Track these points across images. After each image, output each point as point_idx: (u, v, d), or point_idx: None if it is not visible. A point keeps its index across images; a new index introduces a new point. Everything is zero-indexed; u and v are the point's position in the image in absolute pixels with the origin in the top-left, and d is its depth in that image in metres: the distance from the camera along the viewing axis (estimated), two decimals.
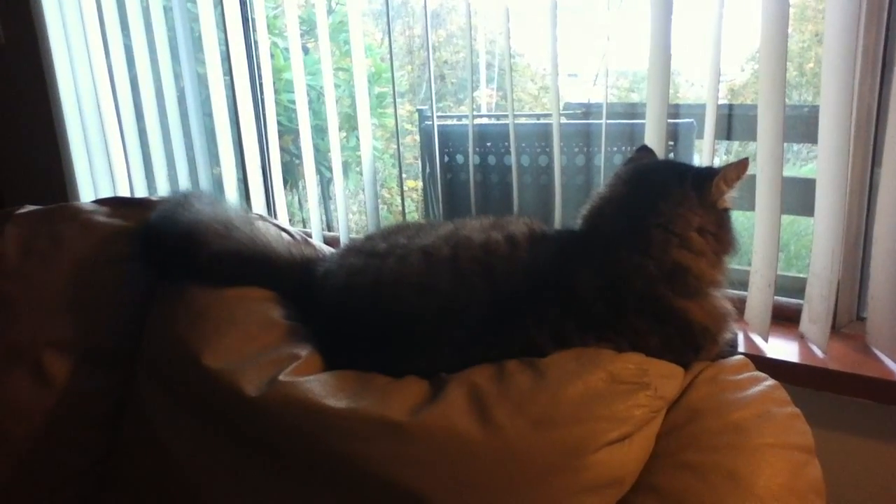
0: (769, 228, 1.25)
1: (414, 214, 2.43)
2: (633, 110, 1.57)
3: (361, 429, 0.83)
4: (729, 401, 0.85)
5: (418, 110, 2.07)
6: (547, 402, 0.81)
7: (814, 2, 1.86)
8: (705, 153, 1.32)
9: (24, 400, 1.11)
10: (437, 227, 0.99)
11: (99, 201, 1.27)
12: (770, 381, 0.88)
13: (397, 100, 1.75)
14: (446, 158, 1.70)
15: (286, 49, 1.86)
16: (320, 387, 0.88)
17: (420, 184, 1.96)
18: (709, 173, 0.91)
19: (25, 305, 1.15)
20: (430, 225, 1.04)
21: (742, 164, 0.90)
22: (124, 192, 2.16)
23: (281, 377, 0.90)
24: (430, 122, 1.67)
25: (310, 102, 2.04)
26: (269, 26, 2.07)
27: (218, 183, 2.06)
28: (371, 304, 0.94)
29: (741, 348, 1.26)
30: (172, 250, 1.07)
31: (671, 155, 1.46)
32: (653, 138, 1.33)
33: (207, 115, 2.02)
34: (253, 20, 1.87)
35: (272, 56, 2.15)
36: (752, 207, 1.29)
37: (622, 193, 0.94)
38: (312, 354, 0.95)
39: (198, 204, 1.11)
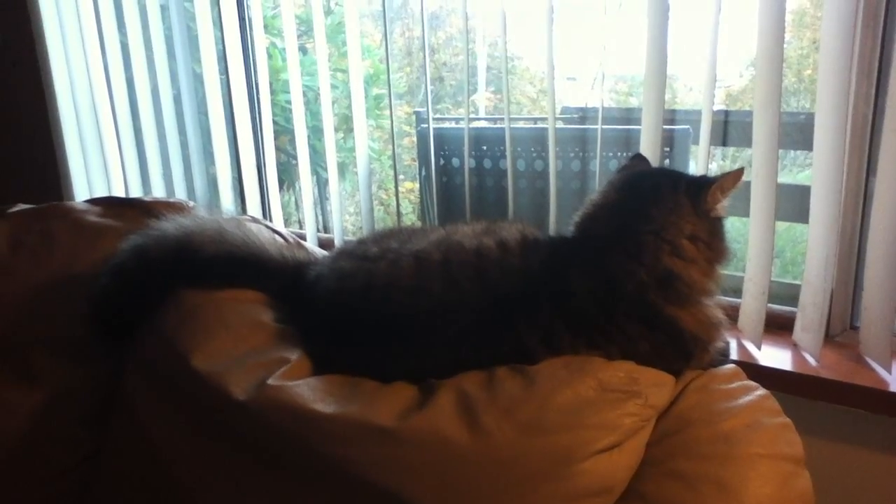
0: (763, 235, 1.25)
1: (411, 217, 2.43)
2: (630, 115, 1.56)
3: (349, 434, 0.83)
4: (719, 410, 0.85)
5: (416, 112, 2.06)
6: (536, 410, 0.80)
7: (812, 9, 1.86)
8: (700, 159, 1.32)
9: (11, 396, 1.11)
10: (429, 233, 0.99)
11: (91, 201, 1.27)
12: (761, 391, 0.88)
13: (396, 101, 1.74)
14: (442, 161, 1.70)
15: (284, 49, 1.86)
16: (309, 391, 0.88)
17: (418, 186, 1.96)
18: (704, 182, 0.91)
19: (15, 302, 1.15)
20: (422, 230, 1.03)
21: (738, 174, 0.91)
22: (119, 192, 2.16)
23: (269, 381, 0.89)
24: (427, 125, 1.67)
25: (308, 103, 2.04)
26: (267, 26, 2.06)
27: (213, 183, 2.06)
28: (362, 307, 0.93)
29: (734, 355, 1.25)
30: (166, 262, 1.06)
31: (667, 161, 1.46)
32: (648, 144, 1.33)
33: (203, 114, 2.01)
34: (250, 19, 1.87)
35: (270, 56, 2.15)
36: (746, 214, 1.28)
37: (615, 200, 0.94)
38: (301, 358, 0.95)
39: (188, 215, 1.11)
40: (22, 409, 1.11)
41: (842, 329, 1.30)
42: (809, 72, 1.91)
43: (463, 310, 0.88)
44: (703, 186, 0.91)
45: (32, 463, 1.11)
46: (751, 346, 1.29)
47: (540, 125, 1.69)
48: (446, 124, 1.84)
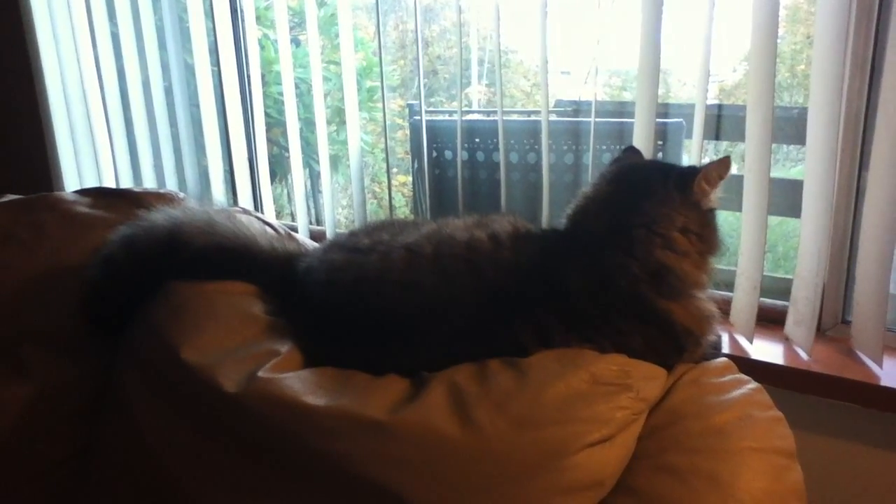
0: (756, 230, 1.25)
1: (404, 210, 2.42)
2: (624, 109, 1.56)
3: (340, 427, 0.82)
4: (711, 404, 0.84)
5: (408, 105, 2.05)
6: (528, 403, 0.80)
7: (806, 4, 1.86)
8: (693, 153, 1.32)
9: (2, 390, 1.09)
10: (421, 226, 0.98)
11: (80, 191, 1.25)
12: (752, 384, 0.88)
13: (389, 94, 1.73)
14: (435, 154, 1.69)
15: (277, 41, 1.85)
16: (299, 383, 0.87)
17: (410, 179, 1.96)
18: (691, 172, 0.91)
19: (6, 295, 1.13)
20: (414, 223, 1.03)
21: (724, 163, 0.90)
22: (109, 183, 2.14)
23: (260, 373, 0.88)
24: (420, 118, 1.66)
25: (300, 95, 2.02)
26: (260, 17, 2.05)
27: (204, 175, 2.04)
28: (354, 300, 0.92)
29: (725, 349, 1.26)
30: (156, 253, 1.05)
31: (660, 154, 1.46)
32: (641, 137, 1.33)
33: (195, 105, 2.00)
34: (242, 10, 1.86)
35: (263, 48, 2.14)
36: (739, 208, 1.28)
37: (607, 193, 0.94)
38: (292, 350, 0.94)
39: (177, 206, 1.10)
40: (14, 404, 1.09)
41: (833, 323, 1.30)
42: (803, 67, 1.91)
43: (456, 305, 0.87)
44: (689, 176, 0.90)
45: (21, 457, 1.09)
46: (742, 340, 1.29)
47: (533, 118, 1.69)
48: (439, 117, 1.83)
